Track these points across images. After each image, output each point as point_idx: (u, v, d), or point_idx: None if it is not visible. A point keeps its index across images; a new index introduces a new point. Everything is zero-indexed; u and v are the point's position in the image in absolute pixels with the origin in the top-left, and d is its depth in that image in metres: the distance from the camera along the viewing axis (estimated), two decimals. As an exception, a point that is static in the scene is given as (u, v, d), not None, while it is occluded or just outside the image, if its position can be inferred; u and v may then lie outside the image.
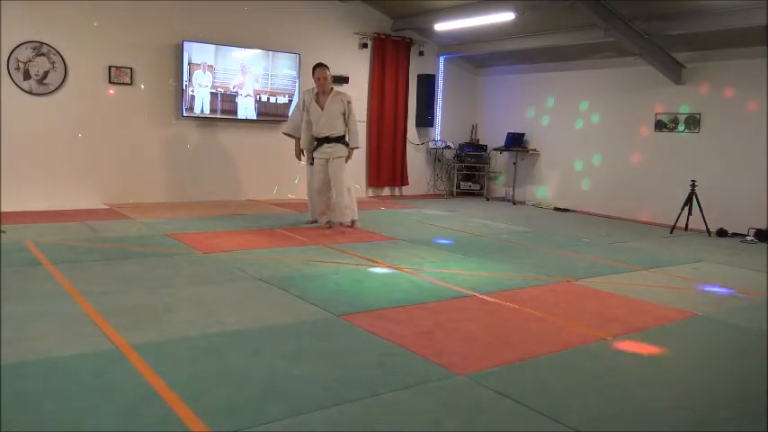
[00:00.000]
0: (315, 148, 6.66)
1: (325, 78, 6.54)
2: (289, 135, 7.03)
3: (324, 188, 6.72)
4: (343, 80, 9.50)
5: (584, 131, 9.56)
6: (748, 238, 7.35)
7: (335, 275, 4.71)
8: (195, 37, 8.20)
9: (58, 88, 7.44)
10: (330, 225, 6.78)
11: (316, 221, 6.98)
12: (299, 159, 7.05)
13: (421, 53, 10.42)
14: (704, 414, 2.67)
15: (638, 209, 8.80)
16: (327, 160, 6.62)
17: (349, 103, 6.62)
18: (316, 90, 6.65)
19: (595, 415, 2.59)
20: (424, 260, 5.41)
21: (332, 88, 6.65)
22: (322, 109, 6.54)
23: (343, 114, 6.60)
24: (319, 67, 6.58)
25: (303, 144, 6.86)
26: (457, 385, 2.80)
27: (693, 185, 7.63)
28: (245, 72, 8.61)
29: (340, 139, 6.62)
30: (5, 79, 7.11)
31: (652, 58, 8.05)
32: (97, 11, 7.55)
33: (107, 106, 7.80)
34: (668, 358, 3.35)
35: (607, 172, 9.26)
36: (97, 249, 5.25)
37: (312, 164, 6.81)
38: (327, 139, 6.58)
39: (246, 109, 8.67)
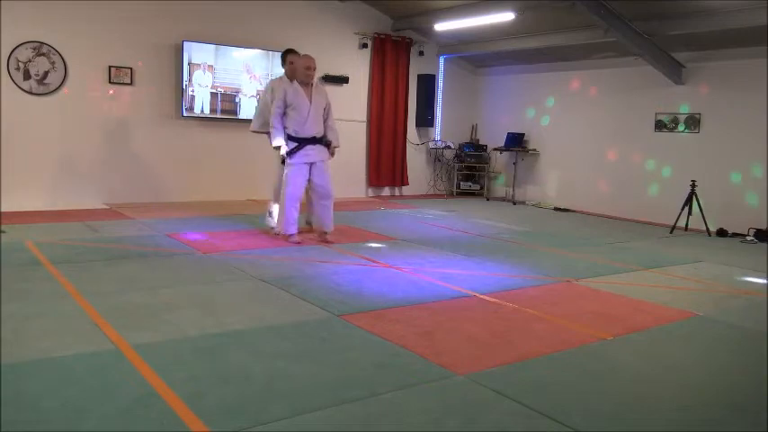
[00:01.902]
0: (294, 150, 5.72)
1: (315, 69, 5.79)
2: (259, 132, 6.33)
3: (302, 195, 5.92)
4: (343, 80, 9.51)
5: (584, 131, 9.56)
6: (748, 238, 7.35)
7: (335, 275, 4.71)
8: (195, 37, 8.20)
9: (57, 88, 7.44)
10: (311, 228, 6.29)
11: (310, 223, 6.42)
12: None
13: (421, 53, 10.42)
14: (704, 414, 2.67)
15: (638, 209, 8.80)
16: (311, 165, 5.80)
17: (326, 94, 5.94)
18: (292, 80, 5.84)
19: (595, 415, 2.59)
20: (425, 260, 5.41)
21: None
22: (310, 103, 5.71)
23: (324, 110, 5.87)
24: (305, 55, 5.80)
25: (259, 128, 6.15)
26: (457, 385, 2.80)
27: (693, 185, 7.63)
28: (250, 72, 8.65)
29: (322, 140, 5.86)
30: (5, 79, 7.11)
31: (652, 58, 8.05)
32: (97, 11, 7.55)
33: (107, 106, 7.80)
34: (668, 358, 3.35)
35: (607, 172, 9.25)
36: (97, 249, 5.25)
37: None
38: (314, 140, 5.77)
39: (249, 109, 8.68)
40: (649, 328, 3.79)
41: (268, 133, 6.00)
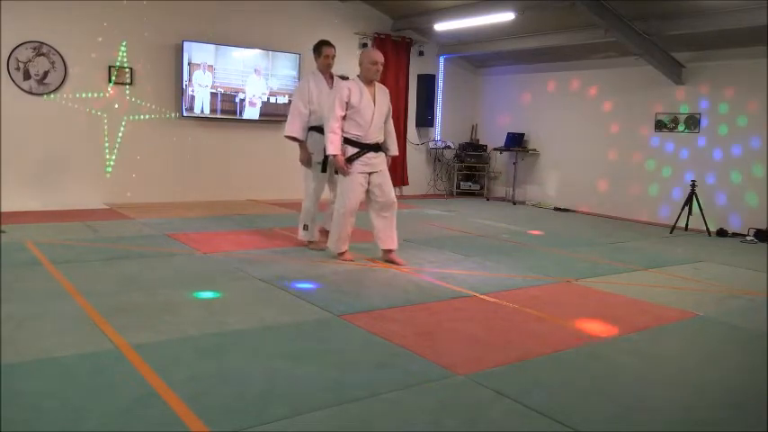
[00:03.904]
0: (354, 156, 4.96)
1: (382, 64, 4.99)
2: (293, 139, 5.43)
3: (357, 208, 5.14)
4: (343, 80, 9.48)
5: (584, 131, 9.56)
6: (748, 238, 7.35)
7: (335, 275, 4.71)
8: (195, 37, 8.20)
9: (58, 88, 7.44)
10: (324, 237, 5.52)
11: (313, 242, 5.65)
12: (309, 166, 5.48)
13: (421, 53, 10.42)
14: (704, 414, 2.67)
15: (638, 209, 8.80)
16: (370, 174, 5.05)
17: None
18: (323, 73, 5.42)
19: (595, 415, 2.59)
20: (424, 260, 5.41)
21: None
22: (374, 105, 4.98)
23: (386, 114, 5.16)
24: (371, 49, 4.99)
25: (296, 132, 5.38)
26: (457, 385, 2.80)
27: (693, 185, 7.63)
28: (259, 74, 8.70)
29: (382, 147, 5.15)
30: (5, 79, 7.11)
31: (652, 58, 8.05)
32: (97, 11, 7.55)
33: (107, 106, 7.80)
34: (668, 358, 3.35)
35: (607, 172, 9.25)
36: (97, 249, 5.25)
37: (336, 173, 5.21)
38: (377, 147, 5.06)
39: (252, 110, 8.70)
40: (649, 328, 3.79)
41: (298, 140, 5.43)
